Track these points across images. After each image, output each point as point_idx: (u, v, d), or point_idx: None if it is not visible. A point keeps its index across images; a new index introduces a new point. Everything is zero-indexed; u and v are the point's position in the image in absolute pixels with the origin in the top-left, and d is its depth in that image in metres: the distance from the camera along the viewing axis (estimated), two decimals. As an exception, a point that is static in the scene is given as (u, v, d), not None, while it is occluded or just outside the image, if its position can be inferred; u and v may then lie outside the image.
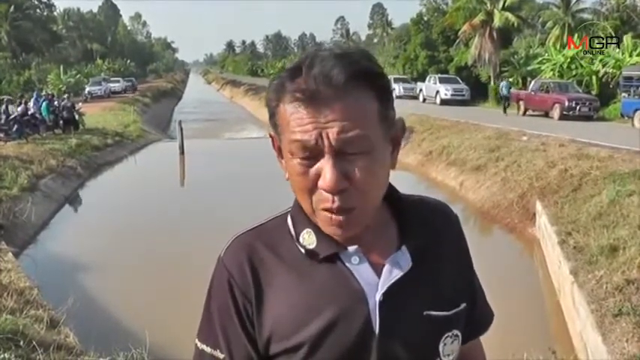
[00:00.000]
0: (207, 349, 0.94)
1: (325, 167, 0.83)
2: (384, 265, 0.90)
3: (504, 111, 22.67)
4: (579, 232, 7.70)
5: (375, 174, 0.86)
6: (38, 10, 53.28)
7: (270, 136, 0.93)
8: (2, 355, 3.99)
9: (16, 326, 4.59)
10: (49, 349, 4.32)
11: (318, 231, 0.90)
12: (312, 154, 0.83)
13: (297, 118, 0.83)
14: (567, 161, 10.95)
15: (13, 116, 16.66)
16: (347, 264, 0.90)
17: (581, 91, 21.91)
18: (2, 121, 16.49)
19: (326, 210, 0.85)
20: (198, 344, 0.95)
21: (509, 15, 27.03)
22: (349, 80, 0.82)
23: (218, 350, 0.92)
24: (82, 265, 8.54)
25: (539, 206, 9.72)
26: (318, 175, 0.84)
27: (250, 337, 0.91)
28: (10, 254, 7.79)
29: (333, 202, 0.84)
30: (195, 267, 8.07)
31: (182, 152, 18.70)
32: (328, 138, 0.82)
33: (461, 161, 14.25)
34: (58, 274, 8.17)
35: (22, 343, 4.31)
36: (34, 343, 4.34)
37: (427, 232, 0.95)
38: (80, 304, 5.90)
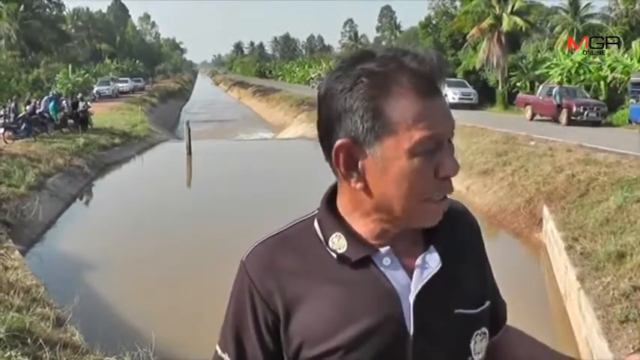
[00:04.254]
0: (219, 351, 0.94)
1: (445, 155, 0.85)
2: (414, 266, 0.89)
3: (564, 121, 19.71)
4: (586, 237, 7.67)
5: None
6: (48, 10, 53.57)
7: (342, 146, 0.85)
8: (9, 353, 4.01)
9: (23, 324, 4.62)
10: (55, 347, 4.35)
11: (348, 234, 0.89)
12: (436, 146, 0.84)
13: (431, 110, 0.84)
14: (575, 166, 10.90)
15: (21, 115, 16.78)
16: (379, 266, 0.88)
17: (589, 96, 21.79)
18: (11, 120, 16.62)
19: (438, 200, 0.87)
20: (217, 345, 0.95)
21: (518, 19, 26.95)
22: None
23: (226, 354, 0.92)
24: (88, 264, 8.57)
25: (546, 211, 9.67)
26: (436, 167, 0.84)
27: (264, 346, 0.90)
28: (17, 252, 7.84)
29: (451, 188, 0.87)
30: (201, 266, 8.12)
31: (189, 152, 18.76)
32: (448, 128, 0.86)
33: (468, 165, 14.20)
34: (65, 273, 8.21)
35: (28, 340, 4.33)
36: (40, 341, 4.36)
37: (452, 232, 0.95)
38: (86, 302, 5.94)
